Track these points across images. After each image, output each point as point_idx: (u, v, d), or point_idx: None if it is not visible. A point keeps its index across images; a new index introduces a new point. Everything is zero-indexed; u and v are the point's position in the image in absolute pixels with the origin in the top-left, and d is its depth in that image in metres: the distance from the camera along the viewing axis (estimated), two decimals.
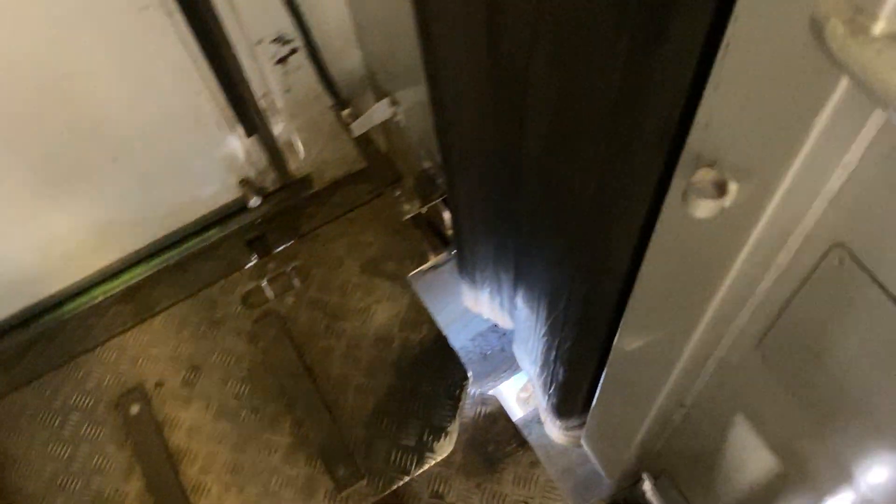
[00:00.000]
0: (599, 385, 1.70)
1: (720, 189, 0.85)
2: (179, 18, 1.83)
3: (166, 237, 2.41)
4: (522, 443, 2.13)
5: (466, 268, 2.03)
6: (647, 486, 1.97)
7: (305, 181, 2.51)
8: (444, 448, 2.08)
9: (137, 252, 2.40)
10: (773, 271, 0.97)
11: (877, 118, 0.68)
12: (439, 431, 2.10)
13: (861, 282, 0.82)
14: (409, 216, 2.09)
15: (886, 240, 0.77)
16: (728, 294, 1.03)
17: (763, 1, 0.68)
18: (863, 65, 0.57)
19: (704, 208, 0.85)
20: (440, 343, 2.23)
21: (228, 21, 1.88)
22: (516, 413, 2.61)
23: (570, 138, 1.21)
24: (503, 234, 1.76)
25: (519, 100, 1.25)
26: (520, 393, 2.72)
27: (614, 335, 1.51)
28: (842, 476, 1.12)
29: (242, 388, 2.20)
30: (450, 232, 2.43)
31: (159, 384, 2.23)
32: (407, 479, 2.05)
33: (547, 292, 1.67)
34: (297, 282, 2.38)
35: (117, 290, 2.39)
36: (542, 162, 1.34)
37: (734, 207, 0.86)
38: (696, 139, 0.88)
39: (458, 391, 2.15)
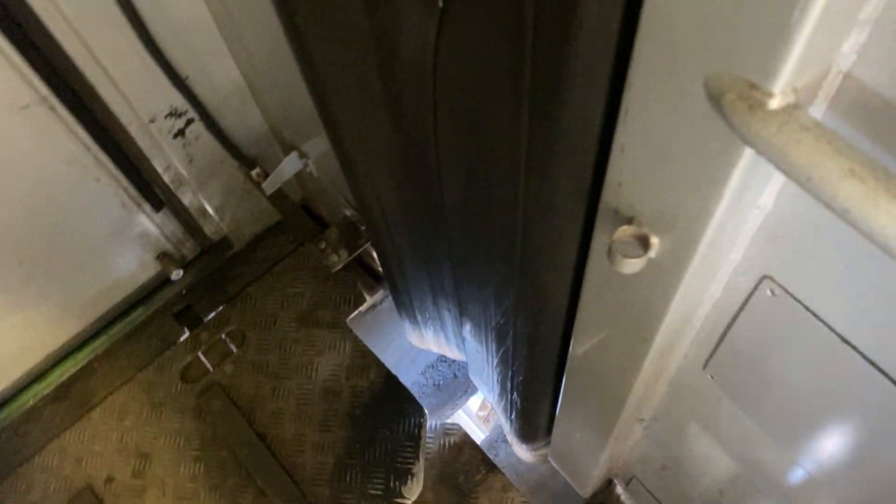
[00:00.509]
0: (557, 412, 1.72)
1: (643, 243, 0.87)
2: (63, 111, 1.76)
3: (90, 326, 2.33)
4: (492, 468, 2.14)
5: (406, 309, 2.02)
6: (619, 489, 2.01)
7: (224, 243, 2.46)
8: (413, 490, 2.07)
9: (63, 347, 2.30)
10: (707, 304, 1.00)
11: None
12: (405, 475, 2.09)
13: (793, 309, 0.87)
14: (338, 267, 2.06)
15: (809, 268, 0.81)
16: (667, 330, 1.06)
17: (655, 72, 0.69)
18: (765, 140, 0.58)
19: (630, 265, 0.87)
20: (391, 384, 2.22)
21: (116, 104, 1.82)
22: (480, 434, 2.62)
23: (487, 196, 1.21)
24: (437, 276, 1.76)
25: (429, 160, 1.25)
26: (478, 412, 2.73)
27: (563, 367, 1.53)
28: (792, 470, 1.17)
29: (197, 468, 2.14)
30: (382, 270, 2.42)
31: (109, 480, 2.15)
32: None
33: (492, 329, 1.68)
34: (233, 347, 2.33)
35: (48, 390, 2.29)
36: (463, 213, 1.34)
37: (659, 258, 0.89)
38: (611, 198, 0.90)
39: (417, 430, 2.15)
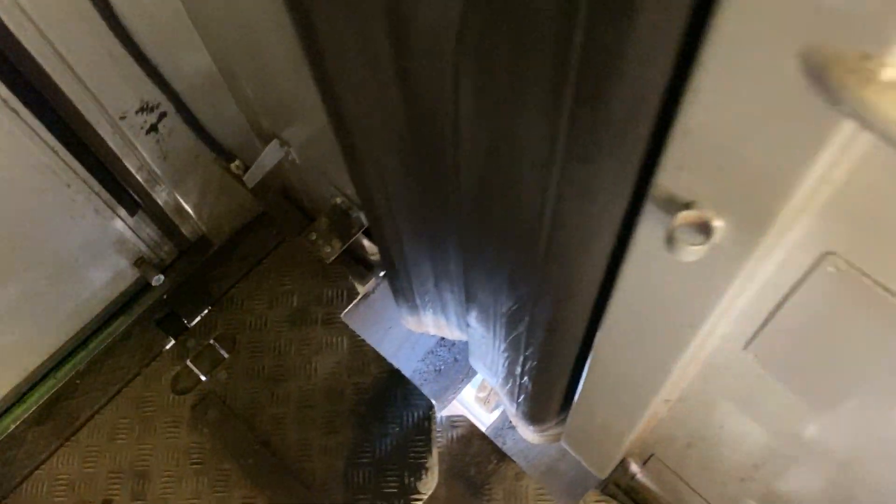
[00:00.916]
0: (577, 395, 1.65)
1: (705, 228, 0.80)
2: (27, 114, 1.61)
3: (69, 342, 2.18)
4: (502, 457, 2.07)
5: (404, 294, 1.93)
6: (634, 468, 1.96)
7: (203, 242, 2.33)
8: (429, 484, 2.00)
9: (41, 367, 2.16)
10: (756, 284, 0.94)
11: (863, 142, 0.64)
12: (419, 469, 2.01)
13: (858, 284, 0.82)
14: (332, 259, 1.96)
15: (878, 242, 0.77)
16: (716, 315, 1.00)
17: (736, 47, 0.63)
18: (881, 114, 0.54)
19: (692, 252, 0.81)
20: (394, 378, 2.13)
21: (83, 103, 1.68)
22: (482, 416, 2.56)
23: (510, 180, 1.12)
24: (442, 261, 1.68)
25: (445, 137, 1.15)
26: (477, 394, 2.66)
27: (585, 352, 1.46)
28: (840, 441, 1.14)
29: (200, 483, 2.03)
30: (374, 258, 2.32)
31: (107, 503, 2.03)
32: None
33: (502, 315, 1.60)
34: (224, 353, 2.21)
35: (29, 412, 2.15)
36: (479, 196, 1.25)
37: (722, 243, 0.83)
38: (668, 182, 0.83)
39: (426, 423, 2.07)
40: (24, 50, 1.50)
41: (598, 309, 1.27)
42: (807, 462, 1.28)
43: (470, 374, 2.43)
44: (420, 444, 2.04)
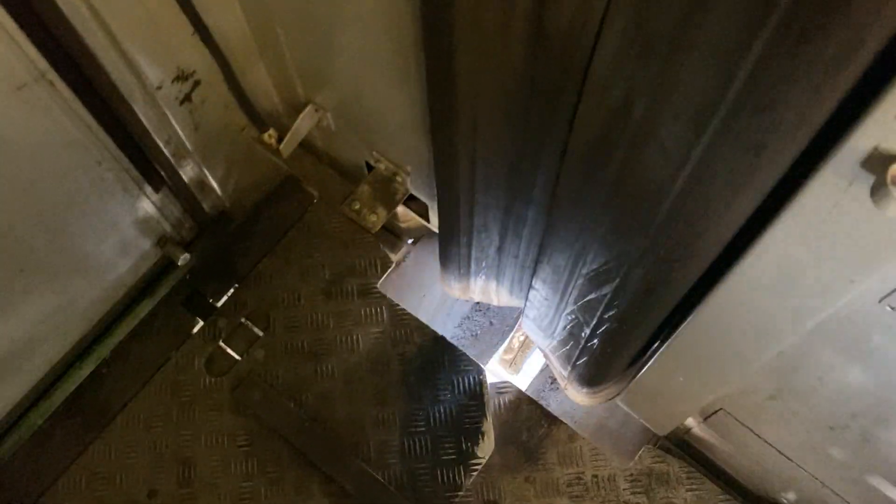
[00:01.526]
0: (655, 358, 1.63)
1: None
2: (63, 88, 1.49)
3: (93, 330, 2.07)
4: (553, 420, 2.07)
5: (456, 260, 1.88)
6: (690, 422, 1.97)
7: (224, 218, 2.23)
8: (487, 449, 1.98)
9: (65, 358, 2.04)
10: None
11: None
12: (475, 434, 1.99)
13: None
14: (378, 227, 1.89)
15: None
16: None
17: None
18: None
19: None
20: (440, 345, 2.09)
21: (120, 74, 1.56)
22: (510, 376, 2.55)
23: (645, 132, 1.06)
24: (516, 222, 1.62)
25: (569, 82, 1.09)
26: (503, 356, 2.64)
27: (676, 314, 1.43)
28: None
29: (250, 465, 1.97)
30: (404, 225, 2.26)
31: (153, 494, 1.95)
32: (461, 493, 1.94)
33: (581, 276, 1.55)
34: (258, 331, 2.13)
35: (56, 405, 2.04)
36: (595, 149, 1.19)
37: None
38: (876, 130, 0.80)
39: (478, 388, 2.04)
40: (64, 16, 1.38)
41: (713, 273, 1.25)
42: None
43: (504, 336, 2.41)
44: (474, 409, 2.02)
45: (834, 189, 0.89)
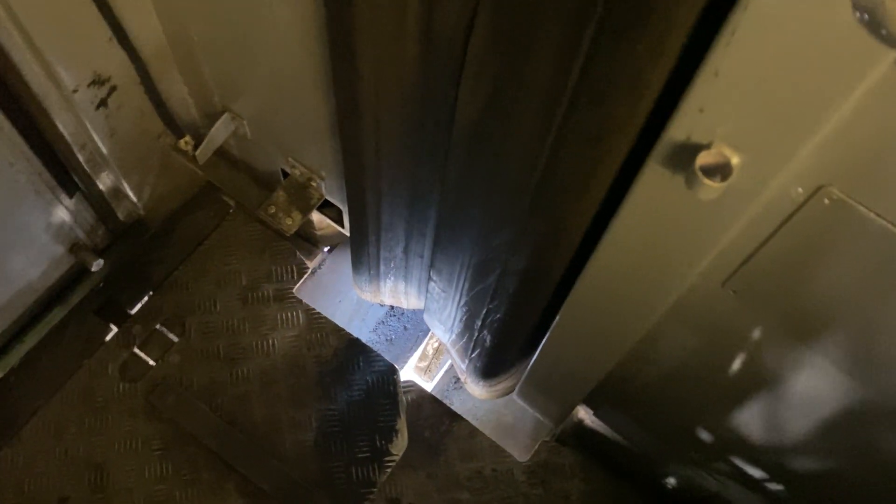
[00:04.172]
0: (541, 347, 1.72)
1: (725, 167, 0.87)
2: None
3: (1, 336, 2.04)
4: (455, 417, 2.15)
5: (367, 263, 1.96)
6: (583, 415, 2.09)
7: (139, 226, 2.24)
8: (400, 446, 2.05)
9: None
10: (742, 221, 1.01)
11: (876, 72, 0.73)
12: (389, 432, 2.06)
13: (853, 214, 0.91)
14: (293, 230, 1.96)
15: (873, 174, 0.86)
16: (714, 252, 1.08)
17: None
18: None
19: (712, 190, 0.87)
20: (355, 347, 2.16)
21: (34, 76, 1.59)
22: (425, 385, 2.62)
23: (508, 125, 1.17)
24: (419, 219, 1.72)
25: (449, 79, 1.20)
26: (418, 363, 2.72)
27: (556, 301, 1.53)
28: (824, 369, 1.23)
29: (164, 468, 1.98)
30: (319, 232, 2.33)
31: (63, 501, 1.93)
32: (375, 489, 2.00)
33: (470, 267, 1.66)
34: (174, 337, 2.15)
35: None
36: (473, 143, 1.30)
37: (737, 182, 0.88)
38: (686, 124, 0.89)
39: (392, 387, 2.11)
40: None
41: (578, 258, 1.35)
42: (768, 393, 1.40)
43: (418, 341, 2.49)
44: (387, 407, 2.09)
45: (660, 179, 0.98)
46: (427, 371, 2.77)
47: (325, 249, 2.40)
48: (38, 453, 1.98)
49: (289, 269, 2.26)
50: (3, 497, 1.92)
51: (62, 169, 1.85)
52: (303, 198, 1.98)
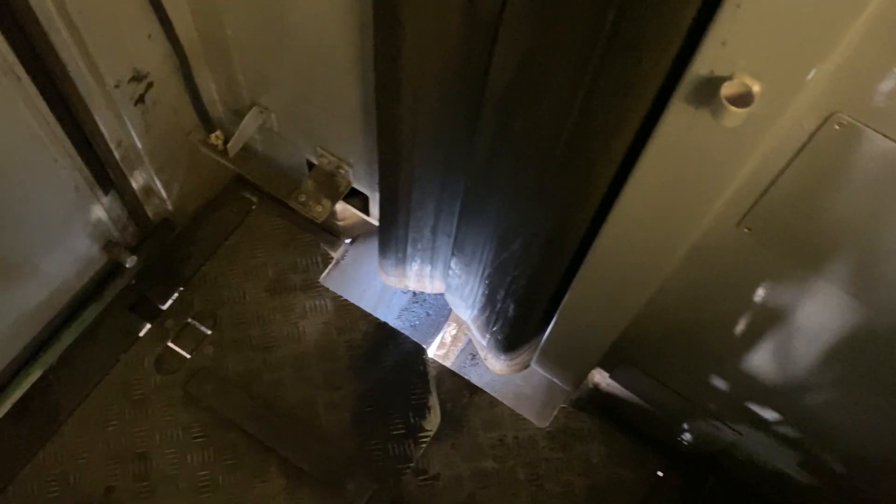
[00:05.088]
0: (562, 305, 1.79)
1: (747, 96, 0.95)
2: (28, 83, 1.58)
3: (38, 335, 2.09)
4: (475, 389, 2.22)
5: (394, 246, 2.04)
6: (599, 379, 2.17)
7: (166, 224, 2.31)
8: (433, 422, 2.12)
9: (11, 363, 2.05)
10: (762, 149, 1.09)
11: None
12: (422, 409, 2.13)
13: (863, 137, 0.99)
14: (324, 217, 2.03)
15: (881, 98, 0.94)
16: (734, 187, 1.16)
17: None
18: None
19: (736, 117, 0.95)
20: (384, 330, 2.23)
21: (79, 71, 1.66)
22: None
23: (540, 83, 1.25)
24: (448, 195, 1.80)
25: (487, 42, 1.29)
26: (436, 352, 2.79)
27: (576, 264, 1.60)
28: (842, 302, 1.31)
29: (206, 455, 2.03)
30: (341, 223, 2.40)
31: (109, 490, 1.98)
32: (412, 464, 2.06)
33: (495, 237, 1.73)
34: (206, 330, 2.21)
35: (2, 414, 2.04)
36: (504, 109, 1.37)
37: (759, 108, 0.97)
38: (710, 57, 0.97)
39: (421, 366, 2.19)
40: (31, 11, 1.48)
41: (599, 215, 1.43)
42: (780, 329, 1.48)
43: (441, 327, 2.57)
44: (419, 385, 2.16)
45: (685, 114, 1.06)
46: (445, 357, 2.84)
47: (347, 241, 2.47)
48: (82, 446, 2.02)
49: (314, 260, 2.33)
50: (50, 490, 1.96)
51: (100, 166, 1.92)
52: (331, 185, 2.06)
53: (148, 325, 2.21)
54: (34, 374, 2.09)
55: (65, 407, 2.08)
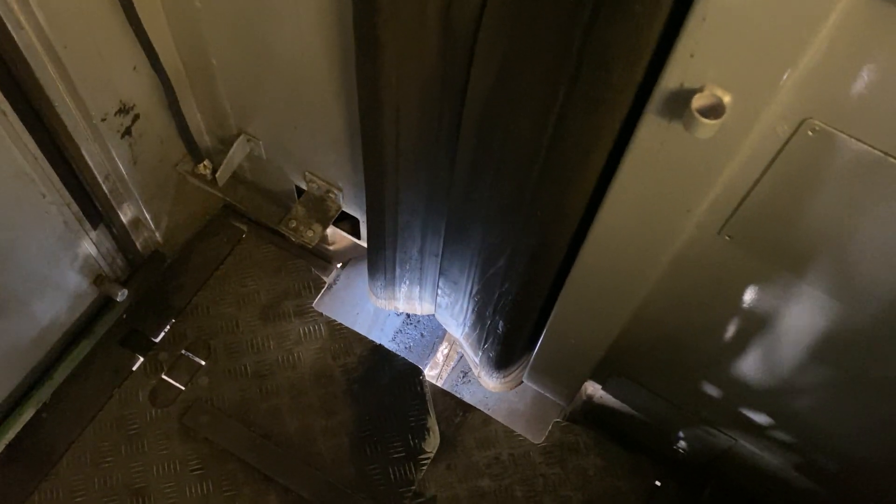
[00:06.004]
0: (550, 319, 1.80)
1: (718, 107, 0.97)
2: (14, 118, 1.58)
3: (30, 373, 2.07)
4: (468, 408, 2.21)
5: (384, 268, 2.04)
6: (591, 390, 2.17)
7: (156, 256, 2.30)
8: (433, 443, 2.11)
9: (3, 403, 2.02)
10: (736, 158, 1.10)
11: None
12: (421, 431, 2.12)
13: (836, 142, 1.01)
14: (315, 242, 2.03)
15: (850, 103, 0.96)
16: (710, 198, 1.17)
17: None
18: None
19: (708, 129, 0.97)
20: (378, 353, 2.22)
21: (65, 107, 1.66)
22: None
23: (517, 100, 1.27)
24: (433, 215, 1.80)
25: (462, 64, 1.30)
26: (428, 373, 2.78)
27: (563, 278, 1.61)
28: (821, 303, 1.32)
29: (204, 486, 2.00)
30: (332, 248, 2.40)
31: None
32: (414, 486, 2.04)
33: (481, 253, 1.75)
34: (200, 361, 2.19)
35: None
36: (483, 126, 1.40)
37: (729, 120, 0.99)
38: (679, 70, 0.99)
39: (418, 388, 2.18)
40: (17, 47, 1.49)
41: (581, 229, 1.44)
42: (767, 334, 1.49)
43: (436, 348, 2.56)
44: (416, 407, 2.15)
45: (658, 128, 1.08)
46: (438, 378, 2.83)
47: (339, 265, 2.47)
48: (78, 485, 1.99)
49: (306, 286, 2.33)
50: None
51: (88, 200, 1.91)
52: (321, 210, 2.06)
53: (141, 359, 2.19)
54: (27, 413, 2.06)
55: (59, 445, 2.05)
